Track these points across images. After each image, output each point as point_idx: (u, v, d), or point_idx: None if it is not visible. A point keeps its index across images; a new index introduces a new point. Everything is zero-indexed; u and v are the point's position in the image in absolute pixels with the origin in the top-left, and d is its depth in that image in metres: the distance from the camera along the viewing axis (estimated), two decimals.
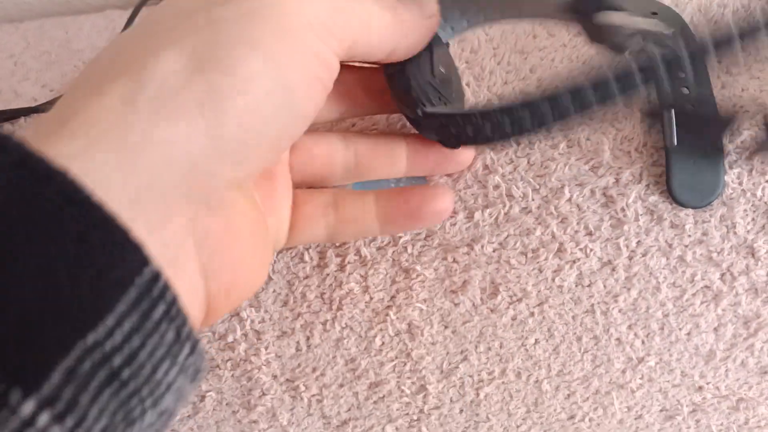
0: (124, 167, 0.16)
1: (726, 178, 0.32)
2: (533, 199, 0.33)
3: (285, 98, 0.19)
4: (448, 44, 0.32)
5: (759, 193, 0.32)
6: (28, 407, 0.13)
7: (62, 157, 0.15)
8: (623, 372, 0.34)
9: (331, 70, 0.21)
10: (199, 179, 0.18)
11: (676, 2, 0.40)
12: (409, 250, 0.33)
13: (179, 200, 0.18)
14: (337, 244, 0.34)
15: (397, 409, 0.35)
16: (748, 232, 0.32)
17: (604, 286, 0.33)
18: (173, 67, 0.17)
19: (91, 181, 0.15)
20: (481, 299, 0.33)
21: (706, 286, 0.33)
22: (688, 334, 0.34)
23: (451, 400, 0.34)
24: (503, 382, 0.34)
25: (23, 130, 0.16)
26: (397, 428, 0.35)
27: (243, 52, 0.18)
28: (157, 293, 0.15)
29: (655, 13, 0.37)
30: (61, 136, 0.16)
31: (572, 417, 0.35)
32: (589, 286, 0.33)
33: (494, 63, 0.38)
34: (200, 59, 0.18)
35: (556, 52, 0.38)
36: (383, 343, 0.34)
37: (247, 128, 0.19)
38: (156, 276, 0.15)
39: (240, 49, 0.18)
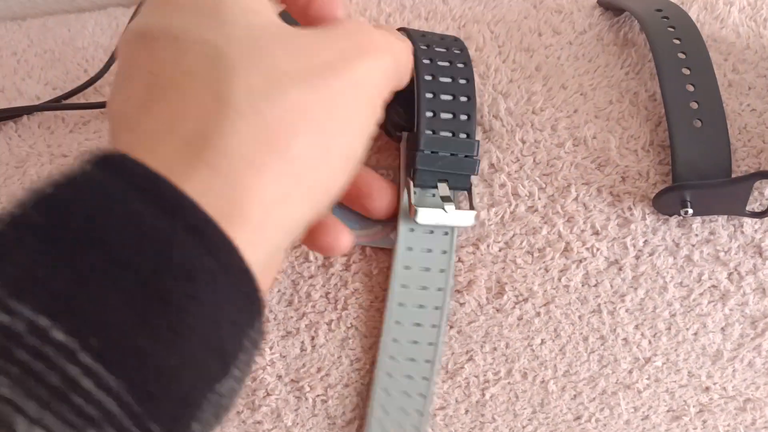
0: (262, 243, 0.20)
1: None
2: (539, 198, 0.33)
3: (360, 155, 0.24)
4: None
5: (766, 193, 0.32)
6: None
7: (233, 236, 0.18)
8: (630, 372, 0.34)
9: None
10: (296, 233, 0.22)
11: (682, 0, 0.39)
12: None
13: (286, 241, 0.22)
14: None
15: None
16: (755, 231, 0.32)
17: (611, 286, 0.33)
18: (308, 152, 0.21)
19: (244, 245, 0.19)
20: (487, 299, 0.33)
21: (714, 286, 0.33)
22: (695, 334, 0.33)
23: (456, 401, 0.34)
24: (509, 383, 0.34)
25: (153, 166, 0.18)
26: None
27: (348, 136, 0.23)
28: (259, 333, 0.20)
29: (660, 10, 0.37)
30: (234, 219, 0.19)
31: (578, 417, 0.35)
32: (595, 285, 0.33)
33: (499, 61, 0.38)
34: (323, 146, 0.21)
35: (562, 49, 0.38)
36: None
37: (338, 185, 0.23)
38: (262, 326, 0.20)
39: (345, 131, 0.22)
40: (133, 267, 0.16)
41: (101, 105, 0.38)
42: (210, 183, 0.18)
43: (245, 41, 0.21)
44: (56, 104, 0.38)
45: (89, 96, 0.39)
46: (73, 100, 0.39)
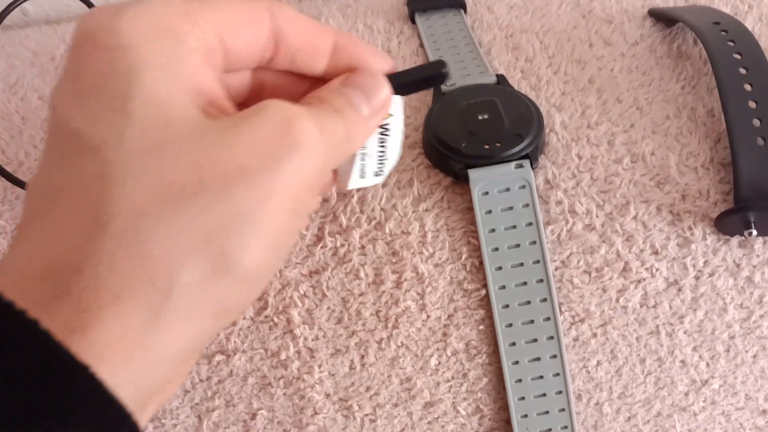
0: (135, 376, 0.17)
1: None
2: (597, 216, 0.32)
3: (279, 266, 0.22)
4: None
5: None
6: None
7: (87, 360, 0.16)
8: (686, 394, 0.33)
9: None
10: (200, 349, 0.21)
11: (736, 11, 0.39)
12: (468, 268, 0.32)
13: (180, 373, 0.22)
14: (394, 261, 0.33)
15: (452, 430, 0.34)
16: None
17: (670, 307, 0.32)
18: (195, 278, 0.18)
19: (110, 383, 0.16)
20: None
21: None
22: (755, 356, 0.33)
23: (507, 422, 0.33)
24: None
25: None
26: None
27: (255, 253, 0.19)
28: None
29: (717, 23, 0.36)
30: (84, 349, 0.16)
31: None
32: (654, 306, 0.32)
33: (551, 73, 0.37)
34: (218, 268, 0.18)
35: (614, 61, 0.37)
36: (439, 363, 0.33)
37: (246, 303, 0.21)
38: None
39: (252, 248, 0.19)
40: None
41: None
42: (69, 318, 0.16)
43: (140, 146, 0.18)
44: None
45: None
46: None
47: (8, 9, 0.38)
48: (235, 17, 0.21)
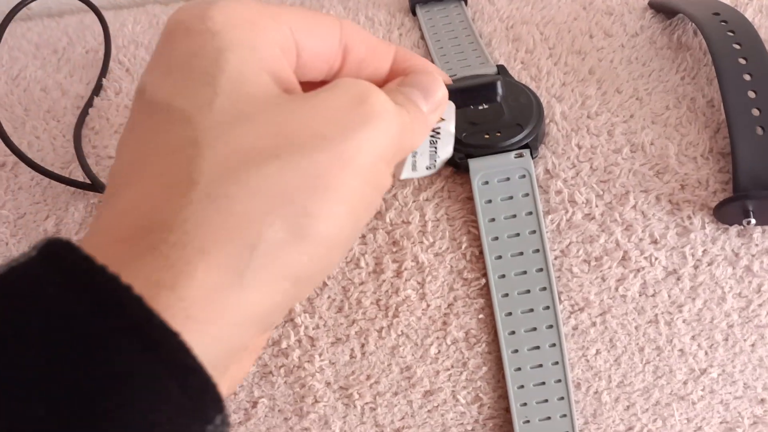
0: (218, 338, 0.18)
1: None
2: (597, 206, 0.32)
3: (355, 237, 0.21)
4: None
5: None
6: None
7: (174, 322, 0.17)
8: (685, 383, 0.33)
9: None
10: (277, 321, 0.20)
11: (736, 3, 0.39)
12: (468, 257, 0.33)
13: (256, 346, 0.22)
14: (394, 250, 0.33)
15: (451, 419, 0.34)
16: None
17: (669, 296, 0.32)
18: (277, 237, 0.18)
19: (192, 344, 0.17)
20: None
21: None
22: (753, 345, 0.33)
23: (507, 411, 0.34)
24: None
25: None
26: None
27: (333, 218, 0.19)
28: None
29: (717, 14, 0.36)
30: (171, 305, 0.17)
31: (631, 428, 0.34)
32: (653, 295, 0.32)
33: (551, 63, 0.37)
34: (298, 229, 0.19)
35: (614, 52, 0.37)
36: (439, 352, 0.33)
37: (324, 271, 0.21)
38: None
39: (330, 212, 0.19)
40: (57, 372, 0.15)
41: None
42: (159, 275, 0.17)
43: (227, 115, 0.19)
44: None
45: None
46: None
47: (18, 8, 0.38)
48: (309, 21, 0.22)
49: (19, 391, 0.15)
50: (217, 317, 0.18)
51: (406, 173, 0.28)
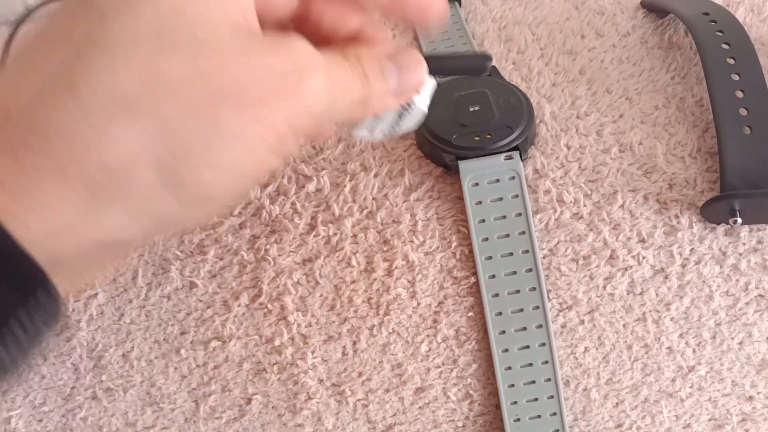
0: (60, 251, 0.17)
1: None
2: (585, 205, 0.33)
3: (238, 195, 0.20)
4: None
5: None
6: None
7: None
8: (673, 381, 0.34)
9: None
10: (131, 249, 0.20)
11: (728, 2, 0.39)
12: (458, 256, 0.33)
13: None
14: (385, 249, 0.33)
15: (442, 415, 0.34)
16: None
17: (657, 294, 0.32)
18: (150, 179, 0.18)
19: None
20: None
21: (760, 295, 0.32)
22: (740, 343, 0.33)
23: (497, 407, 0.34)
24: None
25: None
26: None
27: (220, 175, 0.19)
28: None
29: (707, 14, 0.36)
30: (19, 218, 0.16)
31: (620, 425, 0.34)
32: (641, 294, 0.32)
33: (542, 64, 0.37)
34: (173, 177, 0.18)
35: (605, 52, 0.38)
36: (430, 349, 0.34)
37: (192, 220, 0.20)
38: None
39: (218, 169, 0.19)
40: None
41: None
42: (8, 177, 0.17)
43: (148, 30, 0.17)
44: None
45: None
46: None
47: (24, 17, 0.39)
48: None
49: None
50: (57, 230, 0.17)
51: (360, 133, 0.27)
